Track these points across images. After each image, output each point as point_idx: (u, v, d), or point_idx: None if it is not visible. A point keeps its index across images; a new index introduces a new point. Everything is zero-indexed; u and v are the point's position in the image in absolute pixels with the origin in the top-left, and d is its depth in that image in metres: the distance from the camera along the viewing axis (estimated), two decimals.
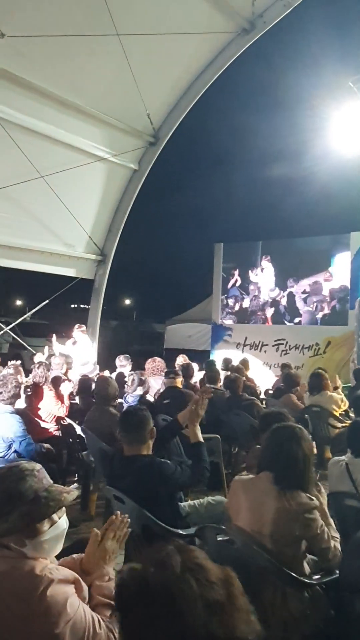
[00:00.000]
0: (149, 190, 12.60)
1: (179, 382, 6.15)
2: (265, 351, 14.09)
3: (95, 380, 6.30)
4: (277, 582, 2.39)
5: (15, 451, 4.47)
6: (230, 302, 15.47)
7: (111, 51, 8.39)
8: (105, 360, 10.87)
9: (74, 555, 2.05)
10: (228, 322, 15.31)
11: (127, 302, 47.47)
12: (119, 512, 2.18)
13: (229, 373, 7.48)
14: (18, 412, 4.73)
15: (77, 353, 9.24)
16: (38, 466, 1.89)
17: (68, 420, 5.71)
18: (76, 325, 9.79)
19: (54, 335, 9.94)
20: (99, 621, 1.72)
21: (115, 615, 1.14)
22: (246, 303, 15.15)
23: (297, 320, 14.15)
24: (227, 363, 8.95)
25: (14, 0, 7.37)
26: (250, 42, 9.54)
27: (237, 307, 15.32)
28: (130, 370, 7.88)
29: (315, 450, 6.02)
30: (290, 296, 14.39)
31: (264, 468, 2.62)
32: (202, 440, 3.39)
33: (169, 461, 3.20)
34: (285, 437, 2.62)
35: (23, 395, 5.37)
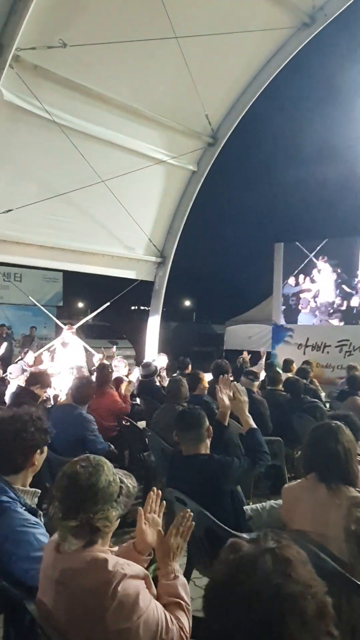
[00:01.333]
0: (208, 191, 12.58)
1: (256, 385, 6.08)
2: (327, 352, 13.75)
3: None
4: (342, 588, 2.30)
5: (85, 450, 4.58)
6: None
7: (170, 54, 8.44)
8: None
9: (124, 545, 2.07)
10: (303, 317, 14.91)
11: (187, 303, 47.61)
12: (155, 489, 2.20)
13: (290, 375, 7.33)
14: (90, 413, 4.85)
15: (67, 355, 8.89)
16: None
17: (130, 421, 5.77)
18: (66, 326, 9.43)
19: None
20: (170, 618, 1.73)
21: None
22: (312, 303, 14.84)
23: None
24: (288, 364, 8.78)
25: (74, 11, 7.56)
26: (310, 37, 9.34)
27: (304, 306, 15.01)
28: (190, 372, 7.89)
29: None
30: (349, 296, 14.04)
31: (309, 469, 2.59)
32: (255, 426, 3.35)
33: (227, 456, 3.18)
34: (322, 434, 2.60)
35: None
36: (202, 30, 8.19)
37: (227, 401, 3.50)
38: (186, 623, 1.79)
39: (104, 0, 7.66)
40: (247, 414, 3.41)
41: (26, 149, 8.64)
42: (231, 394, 3.52)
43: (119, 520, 1.85)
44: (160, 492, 2.20)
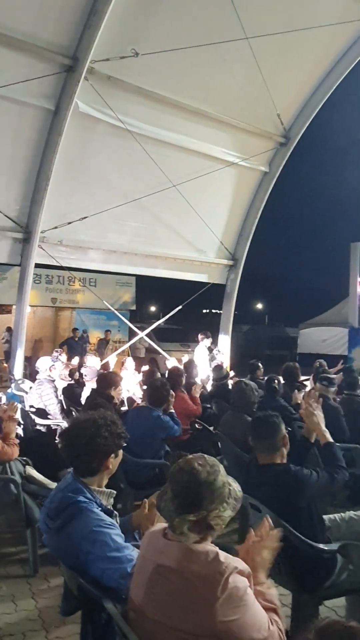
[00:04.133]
0: (280, 191, 12.38)
1: (332, 392, 5.89)
2: None
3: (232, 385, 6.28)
4: None
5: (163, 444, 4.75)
6: None
7: (240, 55, 8.40)
8: (238, 365, 10.86)
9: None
10: None
11: (259, 306, 47.11)
12: (267, 517, 2.14)
13: None
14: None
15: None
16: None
17: (202, 424, 5.76)
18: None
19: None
20: (271, 620, 1.74)
21: None
22: None
23: None
24: None
25: (145, 20, 7.70)
26: None
27: None
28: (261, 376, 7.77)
29: None
30: None
31: None
32: (331, 440, 3.20)
33: (304, 468, 3.06)
34: None
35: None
36: (273, 28, 8.06)
37: (315, 418, 3.29)
38: (282, 627, 1.79)
39: (173, 6, 7.74)
40: (324, 427, 3.27)
41: (100, 157, 8.90)
42: (315, 410, 3.33)
43: (219, 524, 1.84)
44: (280, 534, 2.12)
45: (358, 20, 8.73)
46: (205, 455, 1.88)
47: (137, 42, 7.71)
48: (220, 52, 8.27)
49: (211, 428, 5.47)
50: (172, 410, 5.08)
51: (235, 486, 1.88)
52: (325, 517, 3.15)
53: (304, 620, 2.83)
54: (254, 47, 8.20)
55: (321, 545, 2.77)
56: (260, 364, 8.02)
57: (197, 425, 5.78)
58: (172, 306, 11.99)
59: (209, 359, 10.00)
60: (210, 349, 10.39)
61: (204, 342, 10.29)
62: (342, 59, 9.53)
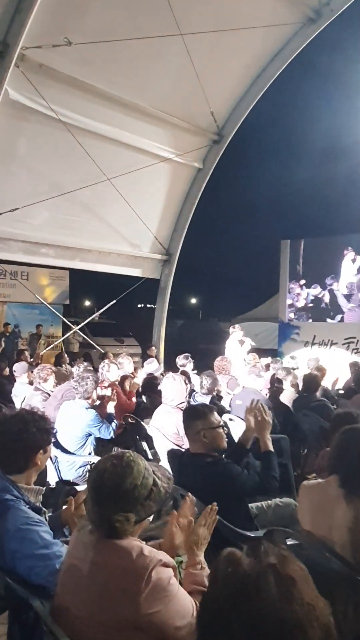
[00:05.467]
0: (214, 188, 12.55)
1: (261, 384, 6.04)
2: (334, 350, 13.68)
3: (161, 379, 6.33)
4: (349, 592, 2.28)
5: (93, 441, 4.69)
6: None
7: (174, 51, 8.43)
8: (172, 359, 10.93)
9: (150, 542, 2.10)
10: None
11: (193, 301, 47.62)
12: (190, 495, 2.19)
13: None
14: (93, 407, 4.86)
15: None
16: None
17: (135, 419, 5.77)
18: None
19: None
20: (196, 605, 1.77)
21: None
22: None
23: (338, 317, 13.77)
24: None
25: (79, 9, 7.57)
26: (316, 32, 9.31)
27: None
28: (193, 369, 7.87)
29: None
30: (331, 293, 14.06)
31: (332, 471, 2.54)
32: (272, 449, 3.27)
33: (235, 465, 3.14)
34: (352, 439, 2.53)
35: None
36: (206, 27, 8.17)
37: (253, 423, 3.33)
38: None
39: None
40: (268, 436, 3.32)
41: (32, 147, 8.68)
42: (259, 416, 3.35)
43: (143, 521, 1.85)
44: (194, 498, 2.21)
45: (287, 24, 9.01)
46: (127, 454, 1.87)
47: (70, 31, 7.56)
48: (155, 47, 8.28)
49: (145, 421, 5.50)
50: (112, 411, 5.06)
51: (163, 485, 1.88)
52: (252, 505, 3.25)
53: None
54: (188, 44, 8.26)
55: (248, 533, 2.86)
56: (190, 358, 8.12)
57: (130, 420, 5.79)
58: (107, 301, 11.91)
59: (241, 352, 9.84)
60: (241, 342, 10.32)
61: (235, 335, 10.25)
62: (273, 60, 9.80)
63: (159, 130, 9.83)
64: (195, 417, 3.15)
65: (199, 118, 10.00)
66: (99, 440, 4.88)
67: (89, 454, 4.66)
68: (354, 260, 14.03)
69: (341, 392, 7.90)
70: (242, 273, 41.96)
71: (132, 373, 7.65)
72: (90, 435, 4.66)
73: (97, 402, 5.10)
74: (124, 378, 6.65)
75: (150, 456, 5.15)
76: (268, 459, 3.21)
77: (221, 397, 6.45)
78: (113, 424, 4.85)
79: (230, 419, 5.44)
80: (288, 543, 2.65)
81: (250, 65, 9.82)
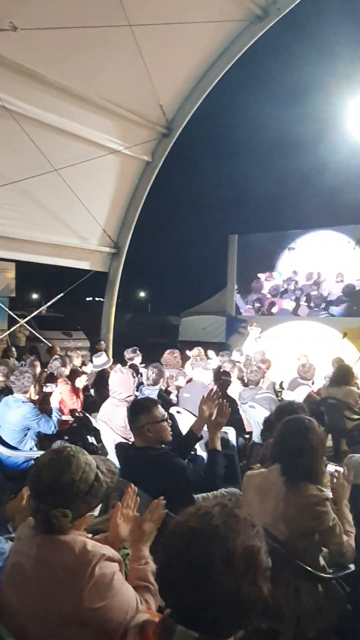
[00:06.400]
0: (163, 182, 12.55)
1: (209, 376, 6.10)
2: (280, 343, 14.01)
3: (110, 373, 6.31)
4: (290, 576, 2.37)
5: (34, 436, 4.62)
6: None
7: (123, 42, 8.34)
8: (121, 353, 10.89)
9: (97, 536, 2.11)
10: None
11: (142, 294, 47.53)
12: (132, 485, 2.21)
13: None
14: (32, 402, 4.78)
15: None
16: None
17: (83, 413, 5.74)
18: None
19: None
20: (140, 600, 1.79)
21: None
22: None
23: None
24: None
25: None
26: (263, 30, 9.42)
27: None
28: (141, 362, 7.89)
29: (330, 443, 5.96)
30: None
31: (274, 460, 2.62)
32: (219, 449, 3.31)
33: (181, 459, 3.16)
34: (293, 429, 2.62)
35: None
36: (155, 19, 8.12)
37: (207, 413, 3.33)
38: (153, 605, 1.86)
39: None
40: (218, 435, 3.34)
41: None
42: (214, 411, 3.35)
43: (84, 516, 1.84)
44: (136, 488, 2.22)
45: (235, 21, 9.10)
46: (68, 448, 1.87)
47: (16, 16, 7.33)
48: (104, 37, 8.16)
49: (93, 415, 5.48)
50: (56, 405, 4.99)
51: (106, 480, 1.88)
52: (198, 495, 3.30)
53: None
54: (138, 36, 8.20)
55: None
56: (138, 351, 8.13)
57: (77, 414, 5.76)
58: (55, 293, 11.72)
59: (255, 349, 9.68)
60: (257, 339, 10.24)
61: (254, 333, 10.17)
62: (221, 56, 9.86)
63: (108, 122, 9.72)
64: (139, 411, 3.16)
65: (148, 111, 9.96)
66: (46, 435, 4.82)
67: (30, 449, 4.60)
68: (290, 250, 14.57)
69: (286, 384, 8.10)
70: (191, 267, 42.26)
71: (80, 367, 7.59)
72: (29, 429, 4.61)
73: (36, 397, 5.01)
74: (72, 372, 6.59)
75: (97, 450, 5.14)
76: (214, 457, 3.24)
77: (169, 391, 6.49)
78: (54, 418, 4.79)
79: (178, 412, 5.49)
80: None
81: (199, 60, 9.85)
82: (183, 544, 1.17)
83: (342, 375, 6.50)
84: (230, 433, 5.47)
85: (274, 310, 14.96)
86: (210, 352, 9.04)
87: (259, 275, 15.20)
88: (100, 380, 7.00)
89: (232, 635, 1.21)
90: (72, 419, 5.79)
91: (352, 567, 2.44)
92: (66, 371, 6.39)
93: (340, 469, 3.00)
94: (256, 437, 5.91)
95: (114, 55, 8.72)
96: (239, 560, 1.15)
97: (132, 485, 2.24)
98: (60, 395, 5.54)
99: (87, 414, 5.73)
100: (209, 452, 3.29)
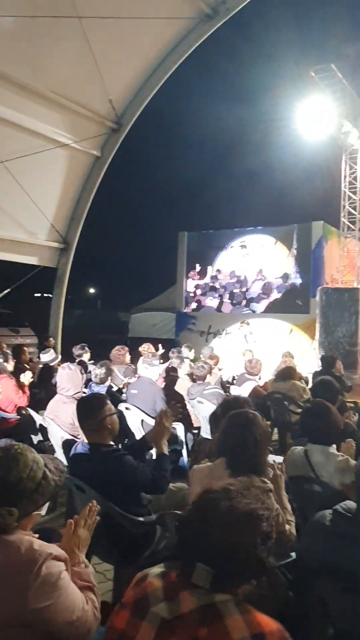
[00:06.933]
0: (114, 177, 12.47)
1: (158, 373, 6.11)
2: (229, 339, 14.23)
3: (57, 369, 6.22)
4: None
5: None
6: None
7: (72, 35, 8.23)
8: (69, 350, 10.75)
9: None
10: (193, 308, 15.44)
11: (92, 290, 47.00)
12: (94, 502, 2.18)
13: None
14: None
15: None
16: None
17: (29, 410, 5.64)
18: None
19: None
20: (85, 599, 1.78)
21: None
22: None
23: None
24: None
25: None
26: (213, 29, 9.51)
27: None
28: (90, 359, 7.82)
29: (276, 436, 6.11)
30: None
31: (220, 454, 2.67)
32: (166, 453, 3.33)
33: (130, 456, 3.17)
34: (237, 422, 2.67)
35: None
36: (105, 12, 8.05)
37: (165, 430, 3.32)
38: (97, 604, 1.86)
39: None
40: (165, 441, 3.36)
41: None
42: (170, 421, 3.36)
43: (31, 515, 1.82)
44: (98, 507, 2.17)
45: (185, 18, 9.14)
46: (15, 447, 1.85)
47: None
48: (52, 28, 8.01)
49: (40, 412, 5.39)
50: None
51: (53, 478, 1.87)
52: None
53: (125, 590, 2.97)
54: (87, 28, 8.10)
55: (141, 518, 2.93)
56: (87, 348, 8.06)
57: (23, 411, 5.65)
58: (1, 289, 11.43)
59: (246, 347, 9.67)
60: (246, 337, 10.11)
61: (243, 330, 10.04)
62: (171, 53, 9.88)
63: (56, 115, 9.56)
64: (98, 405, 3.15)
65: (97, 105, 9.86)
66: None
67: None
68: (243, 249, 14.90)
69: (234, 379, 8.23)
70: (141, 263, 42.16)
71: (27, 364, 7.44)
72: None
73: None
74: (17, 369, 6.46)
75: (45, 448, 5.07)
76: (161, 460, 3.27)
77: (120, 388, 6.47)
78: None
79: (127, 408, 5.49)
80: None
81: (149, 56, 9.83)
82: (200, 502, 1.49)
83: (286, 370, 6.71)
84: (179, 428, 5.51)
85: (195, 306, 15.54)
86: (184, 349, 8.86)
87: (190, 273, 15.66)
88: (47, 377, 6.89)
89: (239, 587, 1.45)
90: (19, 416, 5.68)
91: (293, 555, 2.52)
92: (9, 367, 6.26)
93: (278, 459, 3.09)
94: (204, 433, 5.98)
95: (62, 47, 8.58)
96: (240, 518, 1.41)
97: (95, 502, 2.20)
98: (3, 391, 5.44)
99: (33, 412, 5.63)
100: (158, 457, 3.30)
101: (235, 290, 14.93)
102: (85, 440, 3.19)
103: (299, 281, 13.81)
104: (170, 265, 16.75)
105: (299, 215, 15.37)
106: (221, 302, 15.06)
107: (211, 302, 15.20)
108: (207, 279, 15.44)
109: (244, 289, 14.75)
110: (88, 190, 11.23)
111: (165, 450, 3.33)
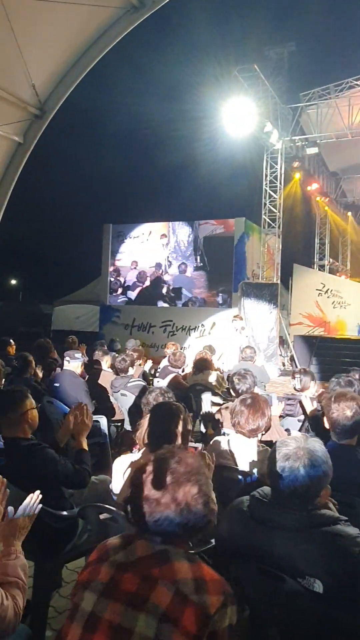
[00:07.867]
0: (38, 165, 12.12)
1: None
2: (153, 332, 14.33)
3: None
4: None
5: None
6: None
7: None
8: None
9: None
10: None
11: (13, 282, 45.47)
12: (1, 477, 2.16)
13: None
14: None
15: None
16: None
17: None
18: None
19: None
20: (5, 595, 1.74)
21: None
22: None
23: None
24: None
25: None
26: (139, 20, 9.41)
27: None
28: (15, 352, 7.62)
29: (201, 427, 6.25)
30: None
31: (145, 445, 2.71)
32: (86, 448, 3.32)
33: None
34: (160, 414, 2.73)
35: None
36: None
37: (72, 425, 3.32)
38: (20, 601, 1.81)
39: None
40: (84, 438, 3.34)
41: None
42: (79, 417, 3.34)
43: None
44: (5, 480, 2.13)
45: (111, 7, 9.02)
46: None
47: None
48: None
49: None
50: None
51: None
52: None
53: (45, 586, 2.94)
54: (8, 8, 7.78)
55: (63, 512, 2.91)
56: (12, 341, 7.85)
57: None
58: None
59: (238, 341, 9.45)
60: (239, 330, 9.79)
61: (235, 324, 9.69)
62: (96, 42, 9.70)
63: None
64: (20, 398, 3.08)
65: (19, 90, 9.51)
66: None
67: None
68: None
69: (158, 372, 8.28)
70: (65, 255, 41.27)
71: None
72: None
73: None
74: None
75: None
76: (80, 455, 3.25)
77: (40, 382, 6.35)
78: None
79: (49, 402, 5.40)
80: (101, 518, 2.76)
81: (74, 44, 9.60)
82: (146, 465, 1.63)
83: (200, 361, 6.92)
84: (102, 421, 5.51)
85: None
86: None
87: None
88: None
89: (189, 540, 1.63)
90: None
91: (212, 541, 2.60)
92: None
93: (197, 446, 3.19)
94: (127, 425, 6.00)
95: None
96: (184, 476, 1.56)
97: (1, 477, 2.18)
98: None
99: None
100: (77, 452, 3.27)
101: (110, 279, 15.95)
102: (4, 434, 3.12)
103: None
104: (94, 257, 16.58)
105: (223, 211, 15.70)
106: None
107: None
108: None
109: (120, 278, 15.86)
110: (9, 177, 10.81)
111: (85, 445, 3.32)
